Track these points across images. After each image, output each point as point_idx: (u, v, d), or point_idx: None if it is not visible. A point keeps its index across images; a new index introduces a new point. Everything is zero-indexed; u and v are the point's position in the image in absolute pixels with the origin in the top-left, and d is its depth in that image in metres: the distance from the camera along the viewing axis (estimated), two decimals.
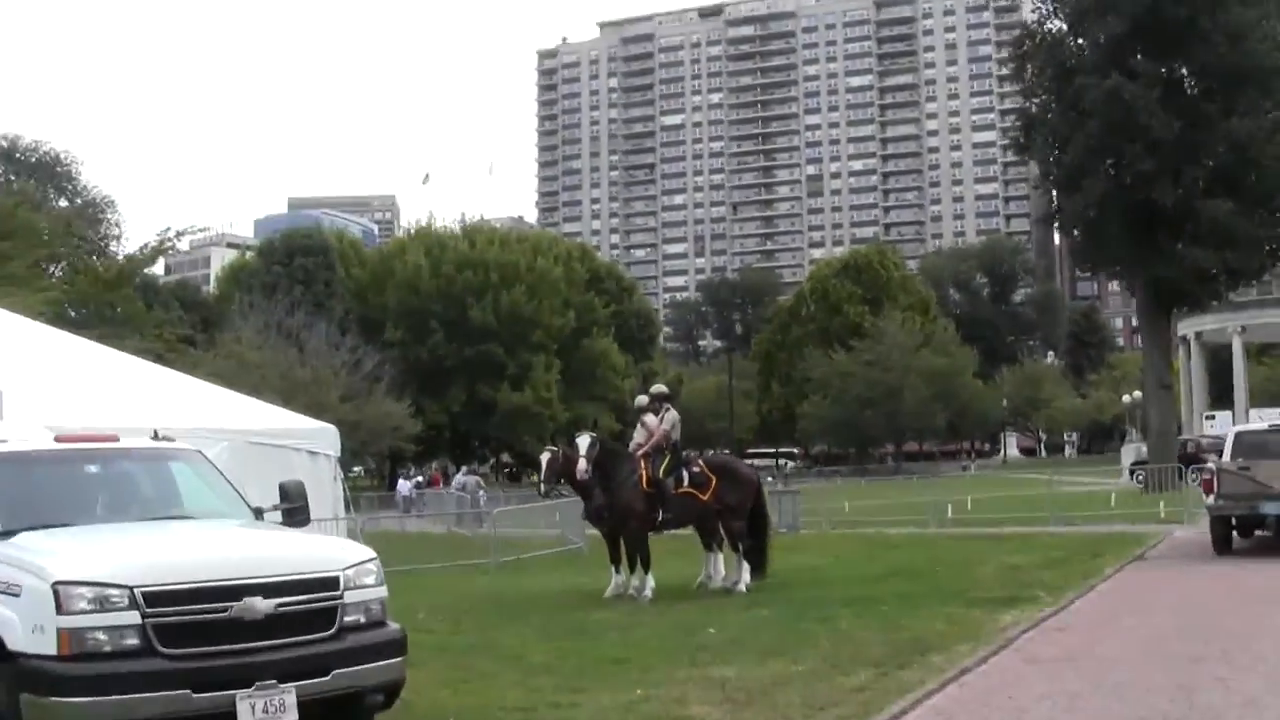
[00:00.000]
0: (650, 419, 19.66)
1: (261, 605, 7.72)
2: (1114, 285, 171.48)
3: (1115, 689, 10.63)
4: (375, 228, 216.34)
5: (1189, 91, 49.64)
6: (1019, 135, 55.38)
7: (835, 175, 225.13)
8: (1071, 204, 50.39)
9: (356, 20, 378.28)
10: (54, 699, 7.25)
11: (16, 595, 7.60)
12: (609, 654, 13.19)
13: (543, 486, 19.62)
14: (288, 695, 7.73)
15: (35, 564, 7.66)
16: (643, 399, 20.56)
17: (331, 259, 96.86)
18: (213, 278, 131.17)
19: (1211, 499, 22.80)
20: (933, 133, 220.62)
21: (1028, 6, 53.41)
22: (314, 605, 8.05)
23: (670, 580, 19.45)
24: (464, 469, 68.91)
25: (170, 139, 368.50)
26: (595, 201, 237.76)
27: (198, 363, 45.09)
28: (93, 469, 9.65)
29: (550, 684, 11.44)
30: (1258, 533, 23.56)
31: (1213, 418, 69.01)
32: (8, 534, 8.29)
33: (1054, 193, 55.29)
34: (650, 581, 18.58)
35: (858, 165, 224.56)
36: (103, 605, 7.41)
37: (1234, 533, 23.15)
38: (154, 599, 7.50)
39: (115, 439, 9.90)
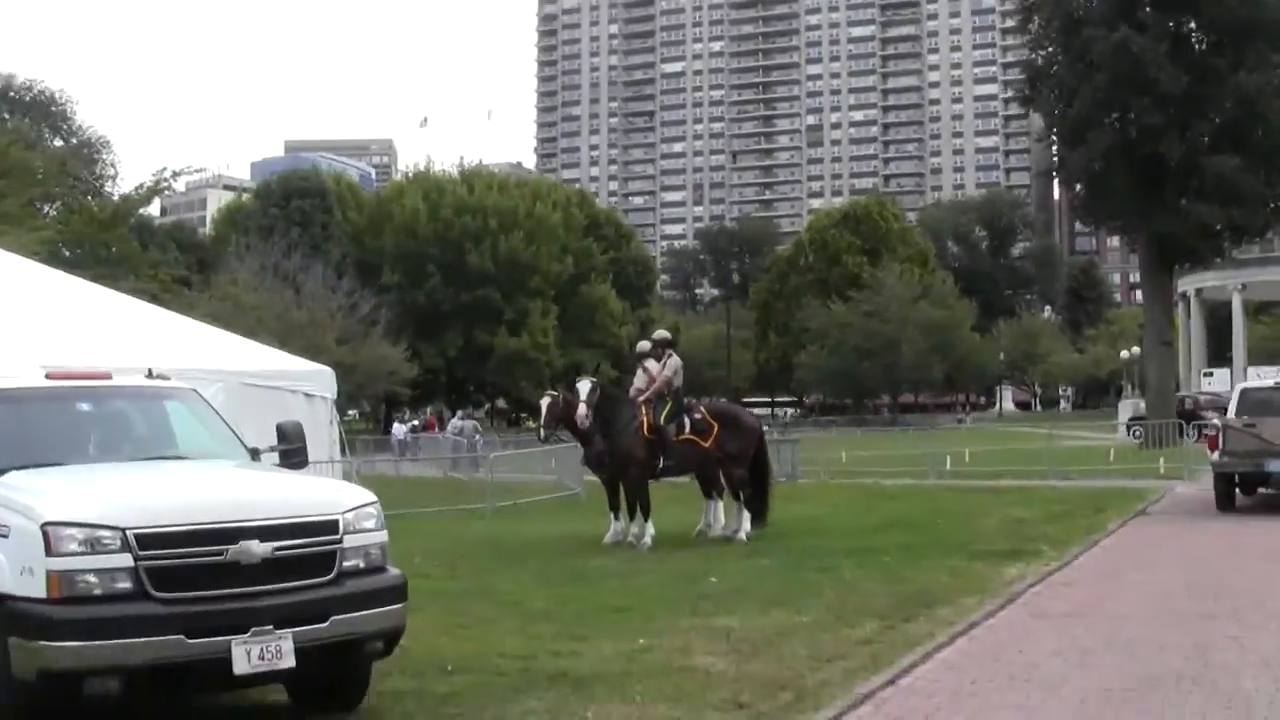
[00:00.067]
0: (651, 364, 19.43)
1: (258, 549, 7.46)
2: (1113, 241, 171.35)
3: (1127, 646, 10.45)
4: (373, 171, 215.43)
5: (1197, 45, 49.18)
6: (1024, 87, 54.86)
7: (835, 125, 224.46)
8: (1076, 157, 49.94)
9: None
10: (43, 643, 7.00)
11: (5, 536, 7.34)
12: (609, 602, 13.01)
13: (542, 432, 19.38)
14: (284, 641, 7.48)
15: (24, 504, 7.40)
16: (644, 344, 20.31)
17: (329, 202, 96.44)
18: (209, 219, 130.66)
19: (1216, 455, 22.64)
20: (934, 84, 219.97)
21: None
22: (312, 549, 7.79)
23: (669, 528, 19.28)
24: (460, 413, 68.74)
25: (167, 80, 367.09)
26: (594, 148, 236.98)
27: (193, 304, 44.86)
28: (85, 407, 9.38)
29: (550, 631, 11.26)
30: (1261, 490, 23.42)
31: (1211, 375, 69.00)
32: None
33: (1054, 146, 54.87)
34: (650, 529, 18.40)
35: (858, 116, 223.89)
36: (94, 547, 7.15)
37: (1237, 490, 23.00)
38: (147, 541, 7.24)
39: (108, 377, 9.61)
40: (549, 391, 19.69)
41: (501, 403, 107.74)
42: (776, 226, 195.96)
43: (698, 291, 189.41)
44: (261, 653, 7.41)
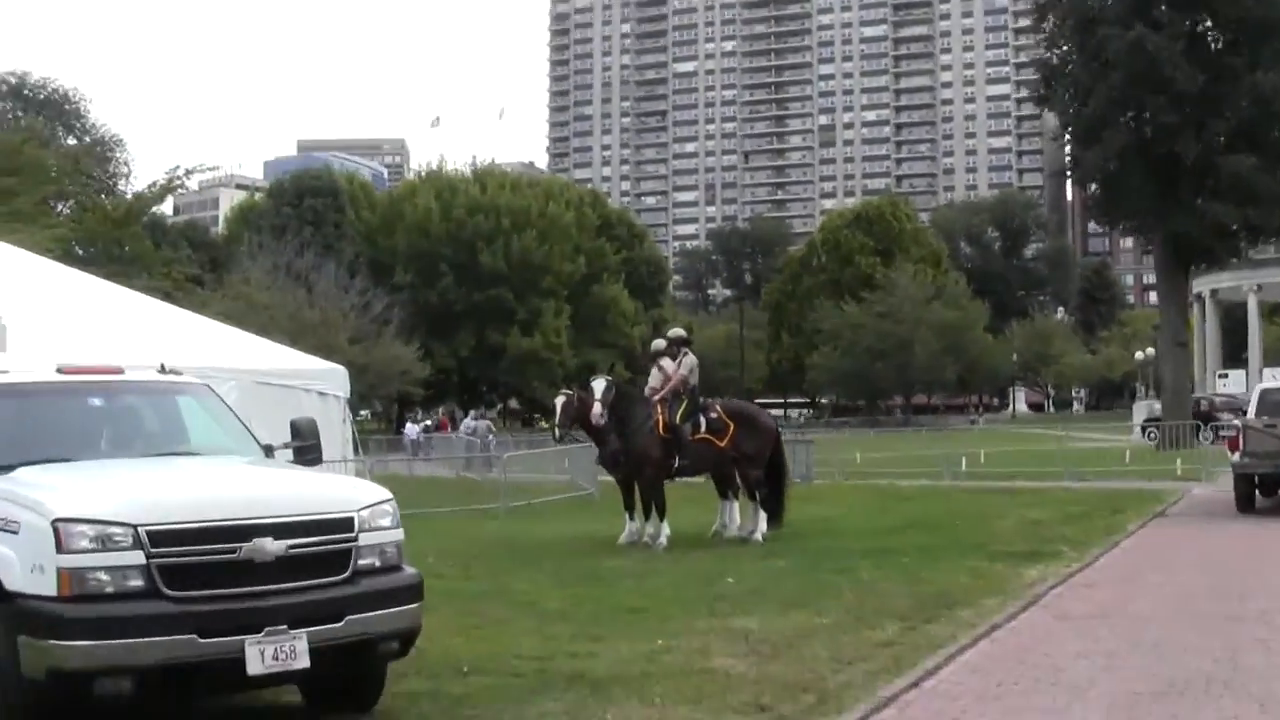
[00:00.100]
0: (667, 363, 19.26)
1: (272, 546, 7.32)
2: (1126, 242, 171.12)
3: (1153, 648, 10.29)
4: (385, 171, 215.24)
5: (1213, 44, 48.99)
6: (1038, 86, 54.62)
7: (848, 125, 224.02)
8: (1091, 157, 49.72)
9: None
10: (53, 641, 6.86)
11: (15, 532, 7.20)
12: (625, 602, 12.86)
13: (557, 431, 19.23)
14: (299, 641, 7.34)
15: (35, 500, 7.26)
16: (659, 343, 20.14)
17: (341, 201, 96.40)
18: (221, 218, 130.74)
19: (1237, 456, 22.48)
20: (946, 84, 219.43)
21: None
22: (327, 547, 7.65)
23: (685, 528, 19.14)
24: (473, 413, 68.62)
25: (180, 79, 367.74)
26: (606, 148, 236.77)
27: (206, 302, 44.81)
28: (97, 402, 9.21)
29: (566, 632, 11.11)
30: None
31: (1226, 376, 68.67)
32: (7, 468, 7.86)
33: (1067, 145, 54.65)
34: (665, 529, 18.25)
35: (871, 116, 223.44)
36: (105, 544, 7.01)
37: (1257, 491, 22.81)
38: (159, 538, 7.10)
39: (120, 371, 9.46)
40: (563, 390, 19.49)
41: (514, 403, 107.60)
42: (789, 227, 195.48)
43: (710, 292, 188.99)
44: (275, 653, 7.28)
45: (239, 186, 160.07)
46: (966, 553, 16.46)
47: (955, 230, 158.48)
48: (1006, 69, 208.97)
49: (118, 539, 7.03)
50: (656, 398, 18.80)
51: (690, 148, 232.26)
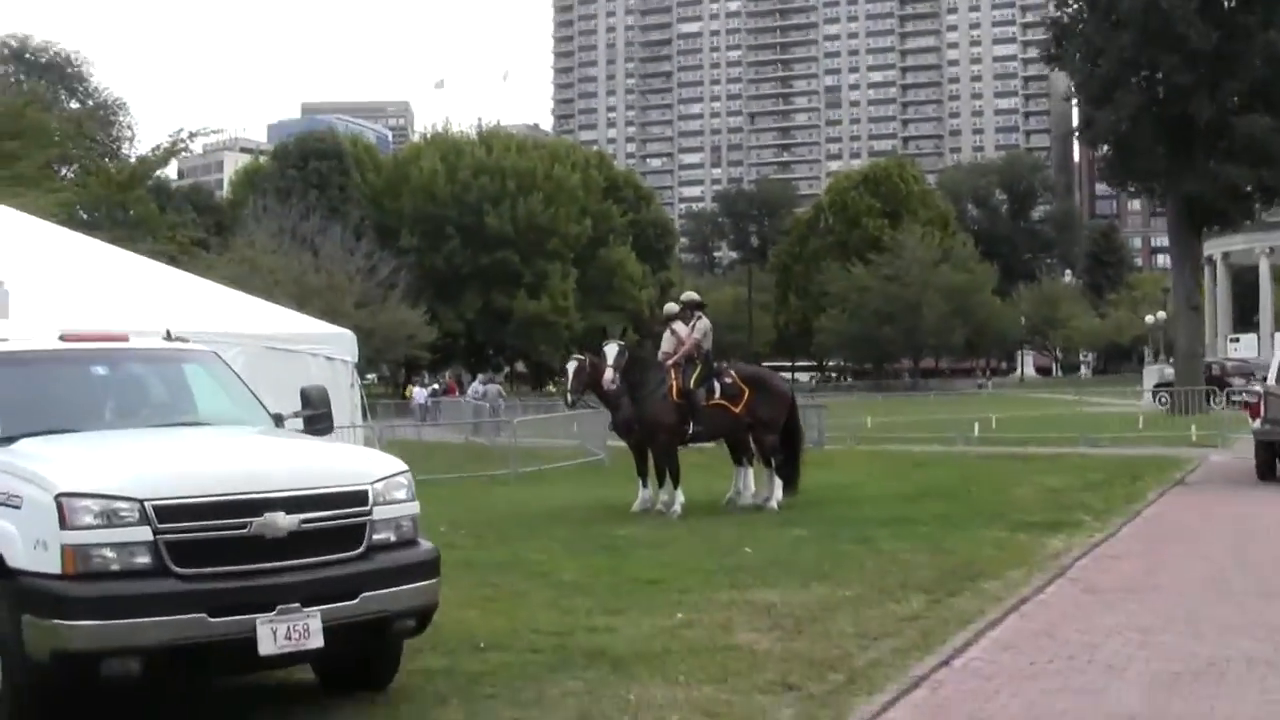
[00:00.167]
0: (680, 327, 18.94)
1: (284, 521, 7.03)
2: (1134, 205, 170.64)
3: (1188, 624, 10.01)
4: (389, 134, 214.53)
5: (1227, 2, 48.28)
6: (1049, 45, 54.10)
7: (854, 87, 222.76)
8: (1102, 117, 49.13)
9: None
10: (57, 621, 6.58)
11: (17, 507, 6.91)
12: (642, 573, 12.59)
13: (569, 396, 18.95)
14: (312, 620, 7.07)
15: (37, 473, 6.97)
16: (672, 306, 19.83)
17: (346, 164, 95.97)
18: (225, 182, 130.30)
19: (1258, 423, 22.16)
20: (953, 45, 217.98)
21: None
22: (341, 522, 7.35)
23: (698, 495, 18.89)
24: (481, 377, 68.32)
25: (183, 43, 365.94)
26: (611, 110, 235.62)
27: (211, 266, 44.50)
28: (100, 371, 8.90)
29: (584, 605, 10.83)
30: None
31: (1237, 340, 68.34)
32: (8, 440, 7.57)
33: (1074, 105, 54.12)
34: (680, 496, 17.98)
35: (877, 77, 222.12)
36: (111, 520, 6.72)
37: (1277, 459, 22.49)
38: (167, 513, 6.81)
39: (125, 339, 9.13)
40: (575, 355, 19.20)
41: (520, 366, 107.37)
42: (795, 189, 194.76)
43: (716, 254, 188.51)
44: (288, 632, 7.00)
45: (243, 150, 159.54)
46: (986, 521, 16.22)
47: (962, 192, 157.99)
48: (1013, 29, 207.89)
49: (124, 514, 6.75)
50: (670, 362, 18.51)
51: (696, 109, 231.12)
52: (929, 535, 14.98)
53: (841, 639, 9.39)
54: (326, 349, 17.81)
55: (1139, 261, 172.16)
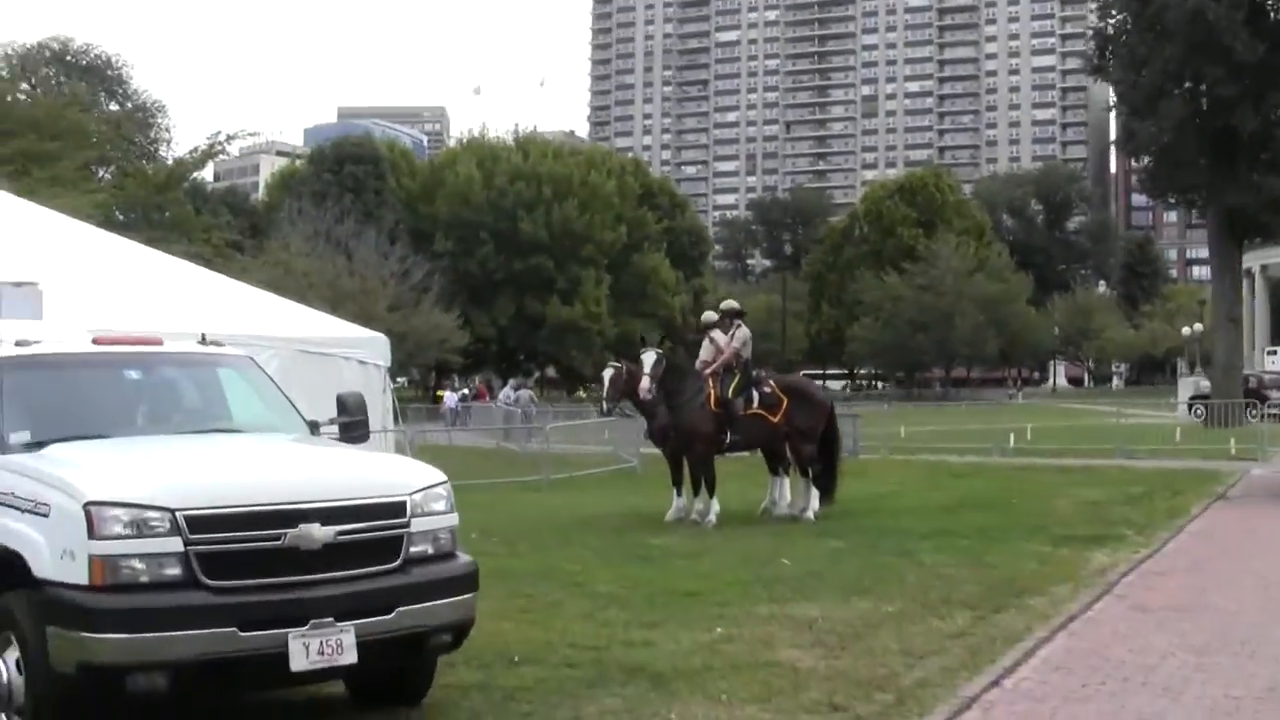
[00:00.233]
0: (719, 336, 18.76)
1: (319, 533, 6.83)
2: (1170, 216, 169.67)
3: (1245, 646, 9.72)
4: (425, 139, 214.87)
5: (1274, 14, 47.82)
6: (1092, 56, 53.73)
7: (891, 96, 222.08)
8: (1145, 128, 48.73)
9: None
10: (84, 634, 6.39)
11: (45, 515, 6.72)
12: (679, 585, 12.36)
13: (605, 404, 18.75)
14: (346, 635, 6.87)
15: (66, 480, 6.77)
16: (711, 315, 19.63)
17: (382, 168, 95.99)
18: (261, 185, 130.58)
19: None
20: (991, 55, 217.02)
21: None
22: (378, 534, 7.15)
23: (732, 504, 18.67)
24: (513, 382, 68.23)
25: (221, 46, 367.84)
26: (647, 117, 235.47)
27: (246, 269, 44.51)
28: (133, 374, 8.71)
29: (620, 618, 10.60)
30: None
31: (1275, 353, 67.69)
32: (37, 445, 7.39)
33: (1112, 116, 53.70)
34: (715, 506, 17.78)
35: (914, 87, 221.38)
36: (141, 530, 6.53)
37: None
38: (198, 524, 6.62)
39: (159, 342, 8.94)
40: (612, 363, 19.01)
41: (551, 371, 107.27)
42: (829, 198, 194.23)
43: (749, 262, 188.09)
44: (321, 647, 6.80)
45: (279, 153, 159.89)
46: (1027, 534, 15.96)
47: (998, 202, 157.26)
48: (1051, 40, 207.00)
49: (154, 524, 6.56)
50: (708, 371, 18.30)
51: (732, 117, 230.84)
52: (970, 548, 14.70)
53: (886, 656, 9.15)
54: (360, 353, 17.66)
55: (1174, 273, 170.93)
